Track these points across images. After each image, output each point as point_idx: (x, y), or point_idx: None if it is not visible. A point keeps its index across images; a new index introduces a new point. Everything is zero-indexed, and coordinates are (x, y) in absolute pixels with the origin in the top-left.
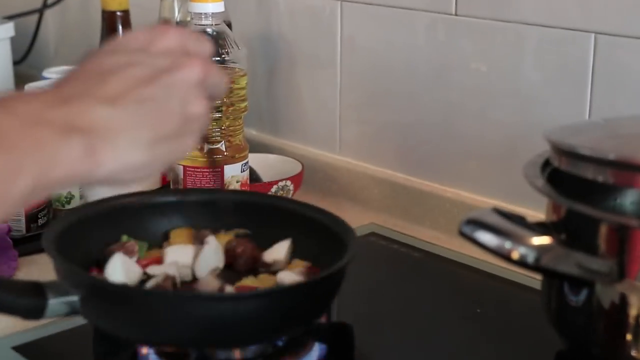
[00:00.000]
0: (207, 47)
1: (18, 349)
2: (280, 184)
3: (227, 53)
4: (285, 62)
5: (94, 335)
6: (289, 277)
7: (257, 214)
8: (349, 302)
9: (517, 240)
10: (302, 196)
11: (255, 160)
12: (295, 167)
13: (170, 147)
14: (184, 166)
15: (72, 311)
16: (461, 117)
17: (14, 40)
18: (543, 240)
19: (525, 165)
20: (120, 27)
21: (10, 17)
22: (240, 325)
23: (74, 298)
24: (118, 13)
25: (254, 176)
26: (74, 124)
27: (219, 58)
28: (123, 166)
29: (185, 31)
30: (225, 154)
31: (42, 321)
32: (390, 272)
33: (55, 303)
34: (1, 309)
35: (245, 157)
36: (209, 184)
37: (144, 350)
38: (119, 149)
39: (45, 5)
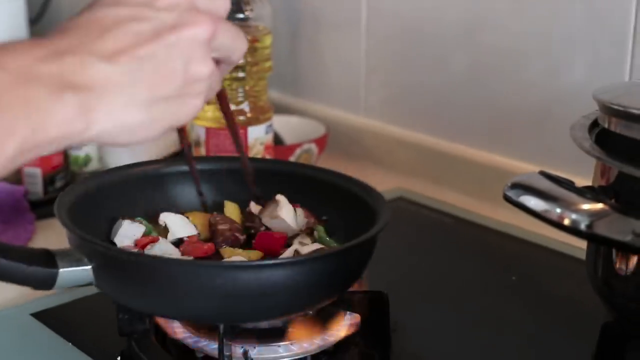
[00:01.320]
0: (221, 4)
1: (36, 315)
2: (305, 146)
3: (251, 10)
4: (310, 23)
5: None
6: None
7: (282, 183)
8: (378, 269)
9: (568, 205)
10: (326, 159)
11: (278, 122)
12: (318, 130)
13: (170, 108)
14: (206, 128)
15: (85, 282)
16: (492, 78)
17: None
18: (596, 205)
19: (572, 126)
20: None
21: None
22: (267, 296)
23: (87, 267)
24: None
25: (277, 139)
26: (68, 81)
27: (242, 15)
28: (119, 126)
29: None
30: (248, 115)
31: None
32: (421, 238)
33: (66, 272)
34: (10, 279)
35: (270, 118)
36: (232, 145)
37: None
38: (114, 107)
39: None
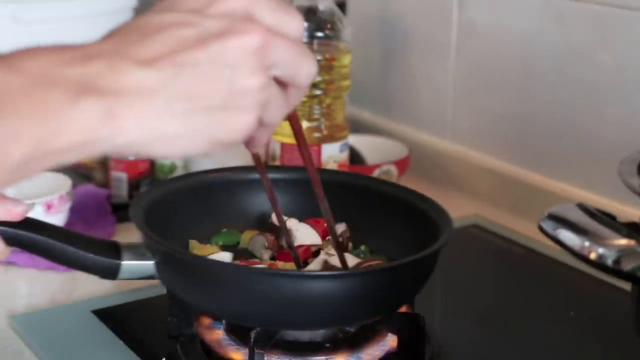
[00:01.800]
0: (293, 24)
1: (97, 312)
2: (384, 167)
3: (332, 29)
4: (401, 45)
5: (170, 305)
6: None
7: (347, 197)
8: (439, 292)
9: (598, 239)
10: (406, 181)
11: (362, 142)
12: (401, 152)
13: (214, 121)
14: (282, 143)
15: (147, 274)
16: (578, 111)
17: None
18: (627, 241)
19: (622, 161)
20: None
21: None
22: (315, 306)
23: (150, 262)
24: None
25: (357, 158)
26: (91, 84)
27: (321, 34)
28: (153, 136)
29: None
30: (324, 132)
31: (123, 287)
32: (487, 266)
33: (129, 265)
34: (77, 266)
35: (345, 137)
36: None
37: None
38: (146, 115)
39: None
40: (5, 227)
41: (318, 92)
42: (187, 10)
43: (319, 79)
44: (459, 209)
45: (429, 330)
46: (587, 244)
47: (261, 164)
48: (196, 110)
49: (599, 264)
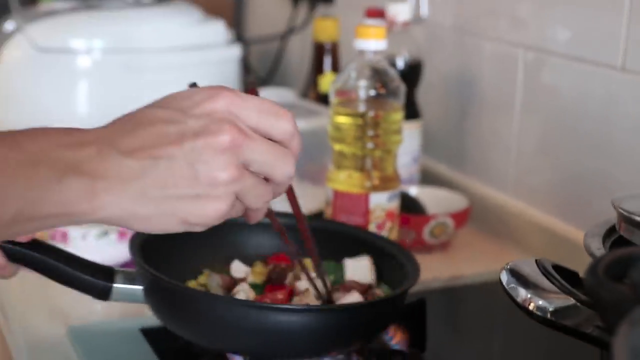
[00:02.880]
0: (281, 127)
1: (144, 331)
2: (440, 219)
3: (385, 88)
4: (474, 103)
5: None
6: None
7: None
8: (450, 337)
9: (540, 292)
10: (465, 233)
11: (427, 193)
12: (462, 205)
13: (185, 207)
14: (334, 190)
15: (136, 299)
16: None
17: None
18: (566, 297)
19: (587, 232)
20: (329, 59)
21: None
22: (290, 338)
23: (139, 288)
24: (326, 45)
25: (418, 208)
26: (77, 167)
27: (374, 92)
28: (128, 214)
29: (252, 101)
30: (374, 182)
31: None
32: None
33: (120, 288)
34: (73, 286)
35: (395, 187)
36: (355, 209)
37: None
38: (123, 197)
39: (284, 35)
40: (10, 245)
41: (370, 145)
42: (178, 107)
43: (370, 133)
44: None
45: None
46: (528, 295)
47: (272, 212)
48: (168, 197)
49: (538, 316)
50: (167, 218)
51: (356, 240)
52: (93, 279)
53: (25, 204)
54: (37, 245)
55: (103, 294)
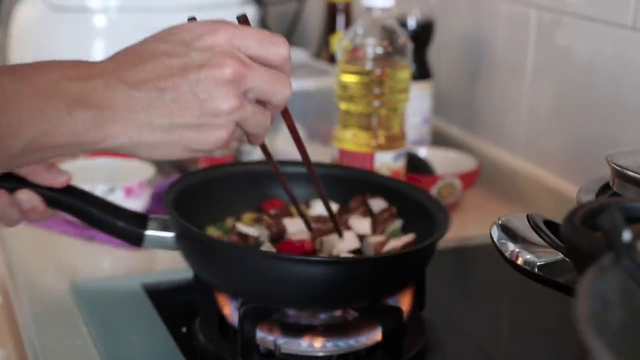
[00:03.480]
0: (276, 52)
1: (146, 287)
2: (447, 180)
3: (392, 46)
4: (485, 64)
5: (194, 284)
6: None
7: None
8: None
9: (528, 247)
10: (473, 195)
11: (436, 154)
12: (470, 166)
13: (189, 135)
14: (340, 149)
15: (168, 246)
16: None
17: None
18: (554, 251)
19: (580, 189)
20: (342, 19)
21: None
22: (311, 288)
23: (170, 235)
24: (339, 5)
25: (426, 169)
26: (86, 99)
27: (381, 50)
28: (136, 142)
29: (251, 32)
30: (379, 141)
31: (178, 267)
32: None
33: (152, 235)
34: (108, 231)
35: (400, 146)
36: (360, 167)
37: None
38: (131, 127)
39: None
40: (49, 191)
41: (376, 103)
42: (179, 41)
43: (376, 91)
44: None
45: (428, 321)
46: (516, 250)
47: (267, 151)
48: (173, 126)
49: (526, 270)
50: (172, 146)
51: (380, 187)
52: (127, 225)
53: (36, 135)
54: (73, 191)
55: (136, 240)
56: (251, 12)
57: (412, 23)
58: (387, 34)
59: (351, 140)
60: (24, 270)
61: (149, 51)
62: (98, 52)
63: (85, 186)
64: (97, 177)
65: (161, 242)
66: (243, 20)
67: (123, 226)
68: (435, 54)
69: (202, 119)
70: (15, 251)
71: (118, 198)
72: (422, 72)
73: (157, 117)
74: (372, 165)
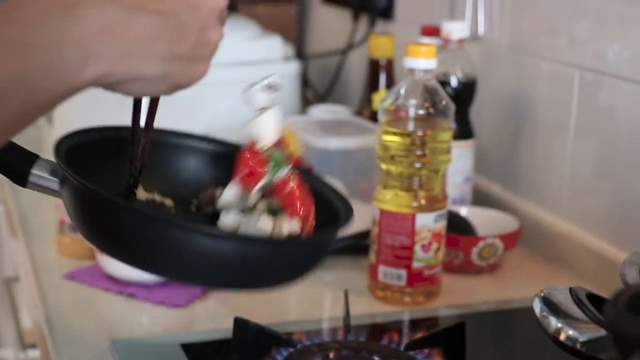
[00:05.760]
0: None
1: (184, 346)
2: (489, 240)
3: (434, 107)
4: (528, 124)
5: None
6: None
7: None
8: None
9: (572, 322)
10: (515, 256)
11: (478, 214)
12: (512, 226)
13: (182, 67)
14: (381, 209)
15: (52, 190)
16: None
17: None
18: (597, 327)
19: (626, 260)
20: (383, 76)
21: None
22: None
23: (54, 180)
24: (381, 62)
25: (468, 229)
26: (81, 36)
27: (422, 112)
28: (134, 77)
29: None
30: (421, 202)
31: (213, 326)
32: None
33: (37, 176)
34: None
35: (442, 208)
36: (400, 229)
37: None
38: (132, 58)
39: (344, 50)
40: None
41: (417, 164)
42: None
43: (418, 152)
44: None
45: None
46: (559, 325)
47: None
48: (172, 57)
49: (568, 347)
50: (166, 80)
51: None
52: (14, 162)
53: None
54: None
55: (20, 179)
56: (294, 67)
57: (454, 81)
58: (430, 95)
59: (392, 200)
60: (64, 326)
61: None
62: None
63: None
64: None
65: (45, 185)
66: None
67: (8, 161)
68: (477, 112)
69: (196, 50)
70: (55, 307)
71: None
72: (463, 131)
73: (159, 46)
74: (413, 226)
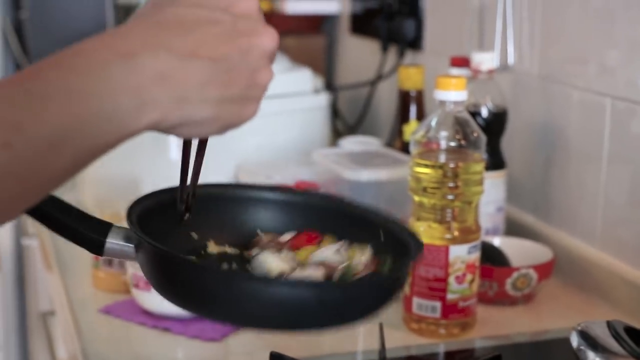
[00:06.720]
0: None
1: None
2: (522, 271)
3: (466, 139)
4: (560, 153)
5: None
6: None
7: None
8: None
9: (611, 357)
10: (550, 286)
11: (511, 244)
12: (545, 256)
13: (234, 109)
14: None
15: (129, 257)
16: None
17: None
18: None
19: None
20: (414, 107)
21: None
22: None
23: (130, 246)
24: (411, 93)
25: (501, 259)
26: (134, 84)
27: (454, 144)
28: (187, 120)
29: None
30: (455, 234)
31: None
32: None
33: (112, 244)
34: (68, 237)
35: (476, 239)
36: (434, 261)
37: None
38: (185, 103)
39: (374, 81)
40: None
41: (450, 196)
42: (214, 7)
43: (450, 184)
44: (601, 318)
45: None
46: (597, 359)
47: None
48: (225, 99)
49: None
50: (216, 122)
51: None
52: (89, 232)
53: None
54: None
55: (96, 248)
56: (324, 98)
57: (485, 112)
58: (461, 127)
59: (425, 232)
60: None
61: (189, 18)
62: (170, 142)
63: None
64: None
65: (122, 252)
66: None
67: (84, 233)
68: (508, 142)
69: (246, 92)
70: (91, 341)
71: None
72: (495, 161)
73: (212, 90)
74: (446, 258)
